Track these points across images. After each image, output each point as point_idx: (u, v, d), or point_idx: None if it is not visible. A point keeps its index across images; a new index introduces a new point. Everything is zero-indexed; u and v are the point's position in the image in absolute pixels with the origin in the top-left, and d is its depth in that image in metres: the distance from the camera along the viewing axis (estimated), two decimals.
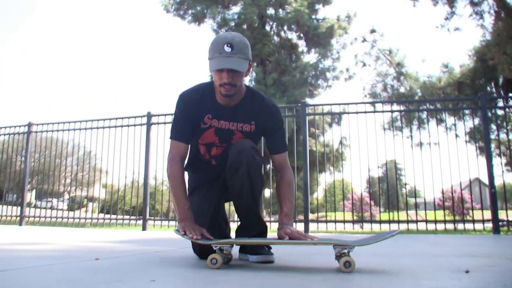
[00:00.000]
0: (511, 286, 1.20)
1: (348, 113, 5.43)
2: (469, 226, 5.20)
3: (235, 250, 2.10)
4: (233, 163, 1.75)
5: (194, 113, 1.86)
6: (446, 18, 10.69)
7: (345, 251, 1.51)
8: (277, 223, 1.88)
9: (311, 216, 6.79)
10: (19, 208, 6.63)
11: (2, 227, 5.69)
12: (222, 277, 1.37)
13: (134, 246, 2.81)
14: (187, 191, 1.87)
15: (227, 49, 1.67)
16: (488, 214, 4.83)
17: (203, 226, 1.80)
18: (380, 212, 9.55)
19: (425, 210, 5.24)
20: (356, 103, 5.45)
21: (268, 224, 4.29)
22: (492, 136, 7.20)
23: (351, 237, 3.91)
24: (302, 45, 18.35)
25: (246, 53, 1.73)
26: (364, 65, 14.33)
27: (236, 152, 1.75)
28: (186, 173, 2.10)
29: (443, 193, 5.42)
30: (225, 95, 1.77)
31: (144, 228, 5.61)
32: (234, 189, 1.79)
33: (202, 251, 1.84)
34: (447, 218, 5.58)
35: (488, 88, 10.75)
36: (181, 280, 1.34)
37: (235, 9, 18.01)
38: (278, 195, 1.89)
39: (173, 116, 1.91)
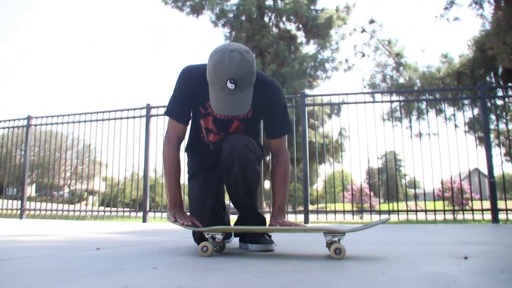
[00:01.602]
0: (508, 271, 1.21)
1: (348, 103, 5.43)
2: (468, 216, 5.22)
3: (235, 240, 2.11)
4: (225, 160, 1.73)
5: (195, 92, 1.74)
6: (446, 8, 10.65)
7: (336, 238, 1.55)
8: None
9: (311, 207, 6.80)
10: (19, 201, 6.66)
11: (2, 221, 5.72)
12: (223, 265, 1.38)
13: (135, 237, 2.82)
14: (181, 178, 1.85)
15: (230, 85, 1.47)
16: (487, 204, 4.86)
17: (204, 215, 1.81)
18: (379, 203, 9.58)
19: (425, 200, 5.27)
20: (356, 94, 5.45)
21: (267, 215, 4.30)
22: (492, 126, 7.21)
23: (346, 226, 3.93)
24: (301, 36, 18.27)
25: (251, 81, 1.55)
26: (363, 55, 14.34)
27: (229, 150, 1.71)
28: (185, 155, 2.08)
29: (442, 183, 5.43)
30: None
31: (144, 220, 5.63)
32: (229, 186, 1.79)
33: (202, 240, 1.85)
34: (447, 208, 5.61)
35: (488, 78, 10.75)
36: (182, 267, 1.35)
37: (234, 0, 17.89)
38: (272, 184, 1.85)
39: (173, 91, 1.79)
